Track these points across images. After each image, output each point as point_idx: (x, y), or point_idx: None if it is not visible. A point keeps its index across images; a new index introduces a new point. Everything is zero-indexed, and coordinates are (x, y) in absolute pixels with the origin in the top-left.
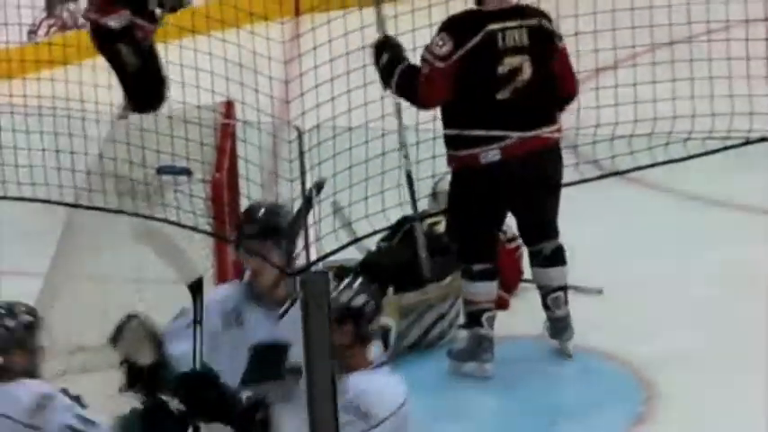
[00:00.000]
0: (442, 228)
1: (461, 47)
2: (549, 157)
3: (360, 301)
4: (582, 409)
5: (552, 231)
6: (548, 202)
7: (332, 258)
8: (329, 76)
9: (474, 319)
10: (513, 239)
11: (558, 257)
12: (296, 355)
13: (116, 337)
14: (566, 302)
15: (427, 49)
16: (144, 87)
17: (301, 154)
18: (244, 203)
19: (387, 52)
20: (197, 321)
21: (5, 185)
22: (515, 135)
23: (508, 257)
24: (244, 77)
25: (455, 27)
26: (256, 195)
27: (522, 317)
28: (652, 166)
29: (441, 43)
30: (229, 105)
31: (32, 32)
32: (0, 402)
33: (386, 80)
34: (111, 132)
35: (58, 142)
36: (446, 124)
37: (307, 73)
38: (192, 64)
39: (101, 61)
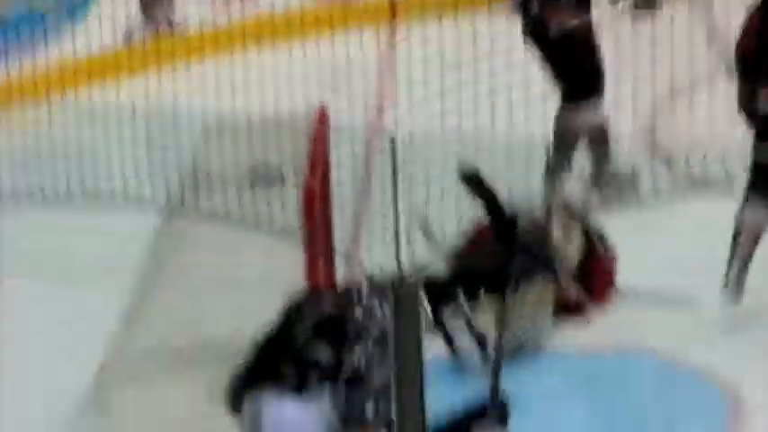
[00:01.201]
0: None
1: None
2: None
3: None
4: (669, 421)
5: None
6: None
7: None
8: (423, 84)
9: None
10: (610, 249)
11: None
12: None
13: None
14: None
15: None
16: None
17: (394, 161)
18: (337, 210)
19: None
20: None
21: (101, 186)
22: None
23: (602, 267)
24: (337, 83)
25: None
26: (349, 201)
27: (608, 331)
28: None
29: None
30: (323, 111)
31: (128, 35)
32: None
33: None
34: (206, 135)
35: (151, 145)
36: None
37: (401, 80)
38: (287, 69)
39: (196, 65)
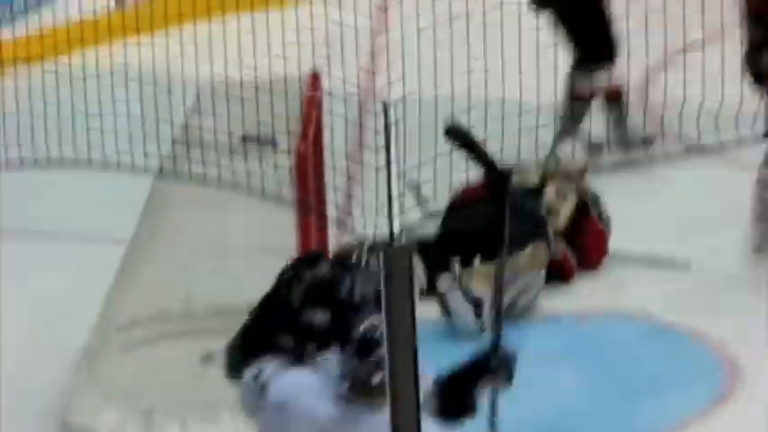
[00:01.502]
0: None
1: None
2: None
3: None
4: (662, 385)
5: None
6: None
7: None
8: (416, 48)
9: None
10: (604, 213)
11: None
12: None
13: None
14: None
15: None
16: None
17: (387, 126)
18: (329, 175)
19: None
20: None
21: (91, 151)
22: None
23: (594, 229)
24: (330, 48)
25: None
26: (341, 166)
27: (602, 295)
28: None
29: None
30: (315, 76)
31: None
32: None
33: None
34: (198, 101)
35: (143, 109)
36: None
37: (394, 44)
38: (280, 33)
39: (188, 29)
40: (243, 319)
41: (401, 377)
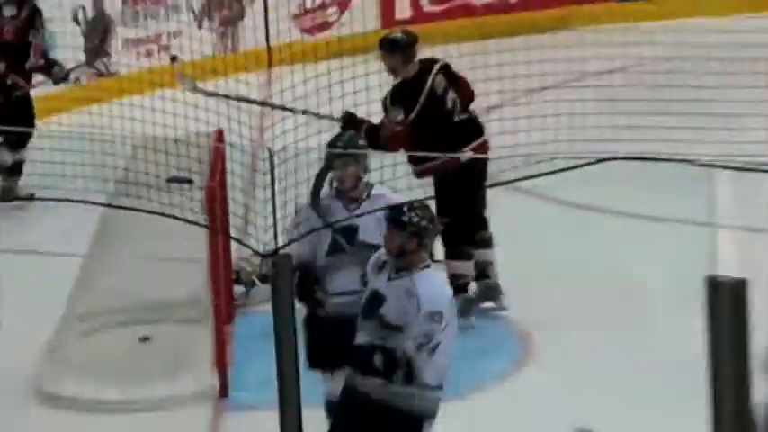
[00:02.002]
0: None
1: (412, 111)
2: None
3: (426, 221)
4: (470, 355)
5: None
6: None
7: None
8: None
9: (462, 288)
10: None
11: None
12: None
13: None
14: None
15: (386, 118)
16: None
17: (272, 168)
18: (231, 205)
19: (360, 123)
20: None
21: (56, 191)
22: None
23: None
24: (230, 112)
25: (401, 97)
26: (239, 198)
27: None
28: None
29: (396, 114)
30: (220, 133)
31: (77, 78)
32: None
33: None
34: (135, 152)
35: (94, 159)
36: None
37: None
38: (194, 102)
39: (127, 99)
40: (170, 312)
41: (285, 361)
